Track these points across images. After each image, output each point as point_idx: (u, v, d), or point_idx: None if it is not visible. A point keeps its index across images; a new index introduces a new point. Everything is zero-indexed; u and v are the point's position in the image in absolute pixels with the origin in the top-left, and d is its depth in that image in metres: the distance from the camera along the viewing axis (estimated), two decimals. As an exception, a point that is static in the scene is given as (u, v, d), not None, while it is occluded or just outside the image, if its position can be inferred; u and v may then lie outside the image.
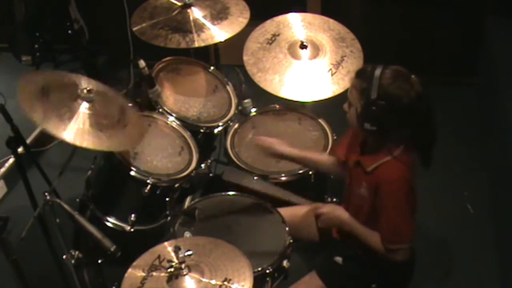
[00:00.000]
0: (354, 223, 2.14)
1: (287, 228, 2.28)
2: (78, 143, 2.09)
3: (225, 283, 1.79)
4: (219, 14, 2.83)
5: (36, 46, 3.95)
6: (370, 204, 2.07)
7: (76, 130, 2.11)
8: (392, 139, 2.01)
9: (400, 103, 1.94)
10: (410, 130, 2.01)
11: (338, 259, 2.24)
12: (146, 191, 2.34)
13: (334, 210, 2.21)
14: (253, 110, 2.81)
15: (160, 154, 2.50)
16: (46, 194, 2.09)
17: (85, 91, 2.19)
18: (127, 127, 2.25)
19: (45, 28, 3.97)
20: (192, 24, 2.77)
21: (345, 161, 2.24)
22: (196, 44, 2.71)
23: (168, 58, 2.81)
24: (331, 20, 2.84)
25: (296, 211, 2.44)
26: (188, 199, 2.73)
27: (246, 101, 2.78)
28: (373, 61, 2.04)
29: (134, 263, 1.90)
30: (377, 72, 1.95)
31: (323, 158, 2.44)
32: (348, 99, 2.06)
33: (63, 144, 2.11)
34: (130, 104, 2.37)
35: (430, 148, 2.05)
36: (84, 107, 2.18)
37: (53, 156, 3.40)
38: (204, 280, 1.80)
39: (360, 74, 2.02)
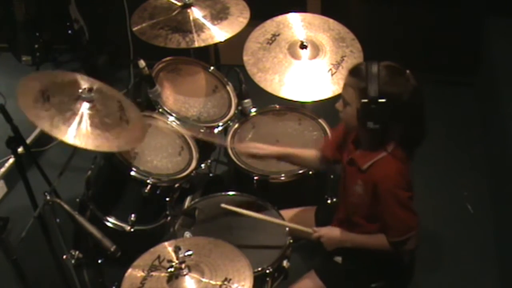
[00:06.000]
0: (352, 237, 2.15)
1: (287, 228, 2.28)
2: (90, 147, 2.08)
3: (225, 283, 1.79)
4: (219, 14, 2.83)
5: (36, 46, 3.94)
6: (367, 201, 2.07)
7: (84, 133, 2.10)
8: (388, 136, 2.01)
9: (400, 99, 1.94)
10: (406, 125, 2.00)
11: (338, 258, 2.24)
12: (146, 191, 2.34)
13: (328, 233, 2.19)
14: (253, 110, 2.81)
15: (160, 154, 2.50)
16: (46, 194, 2.09)
17: (85, 91, 2.18)
18: (129, 124, 2.23)
19: (45, 28, 3.96)
20: (192, 24, 2.77)
21: (328, 158, 2.26)
22: (196, 44, 2.71)
23: (168, 58, 2.81)
24: (331, 20, 2.84)
25: (295, 211, 2.44)
26: (188, 199, 2.73)
27: (246, 101, 2.78)
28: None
29: (134, 263, 1.90)
30: (374, 69, 1.94)
31: (308, 153, 2.39)
32: (343, 97, 2.04)
33: (63, 144, 2.09)
34: (125, 99, 2.35)
35: (419, 143, 2.05)
36: (85, 108, 2.17)
37: (53, 156, 3.40)
38: (204, 280, 1.80)
39: (355, 73, 2.00)
